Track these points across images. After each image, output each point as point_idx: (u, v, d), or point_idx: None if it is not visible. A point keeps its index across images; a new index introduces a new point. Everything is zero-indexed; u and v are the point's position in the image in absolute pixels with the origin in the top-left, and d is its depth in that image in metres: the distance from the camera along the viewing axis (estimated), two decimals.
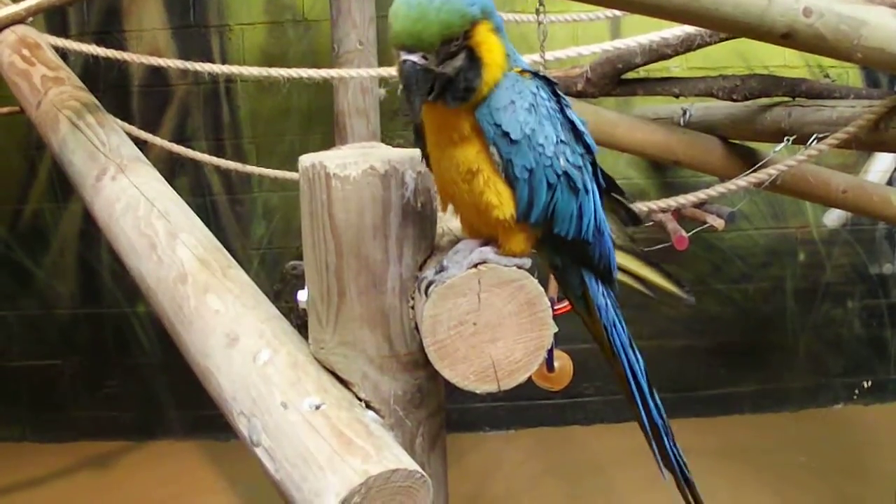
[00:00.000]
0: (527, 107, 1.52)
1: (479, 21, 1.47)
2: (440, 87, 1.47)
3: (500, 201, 1.55)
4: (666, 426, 1.96)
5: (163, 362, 6.13)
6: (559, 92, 1.62)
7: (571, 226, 1.62)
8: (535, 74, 1.59)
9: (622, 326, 1.87)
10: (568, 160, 1.58)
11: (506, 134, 1.50)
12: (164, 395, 6.22)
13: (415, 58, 1.44)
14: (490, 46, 1.49)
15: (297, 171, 1.75)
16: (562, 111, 1.61)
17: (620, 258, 1.87)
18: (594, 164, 1.68)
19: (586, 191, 1.63)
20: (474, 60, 1.48)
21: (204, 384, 1.87)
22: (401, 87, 1.47)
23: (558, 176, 1.56)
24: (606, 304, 1.83)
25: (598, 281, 1.81)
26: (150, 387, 6.23)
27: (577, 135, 1.63)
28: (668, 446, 1.97)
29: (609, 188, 1.79)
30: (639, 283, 2.05)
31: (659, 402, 1.94)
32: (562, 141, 1.57)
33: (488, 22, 1.49)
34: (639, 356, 1.91)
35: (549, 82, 1.61)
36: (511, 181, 1.54)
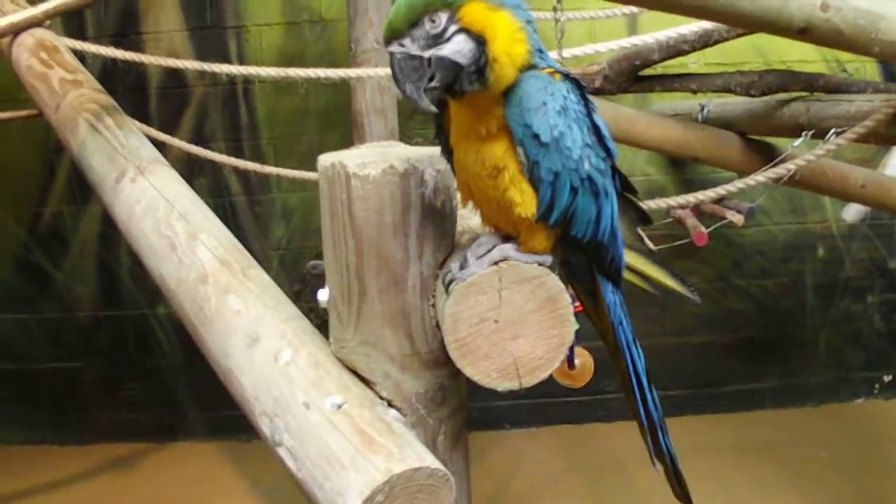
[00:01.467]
0: (558, 109, 1.52)
1: (462, 1, 1.48)
2: (446, 73, 1.49)
3: (523, 199, 1.55)
4: (661, 421, 1.98)
5: (184, 363, 6.14)
6: (587, 95, 1.63)
7: (589, 228, 1.62)
8: (566, 76, 1.59)
9: (628, 323, 1.87)
10: (592, 164, 1.58)
11: (535, 136, 1.50)
12: (186, 396, 6.24)
13: (392, 47, 1.49)
14: (488, 22, 1.49)
15: (315, 170, 1.75)
16: (589, 115, 1.61)
17: (628, 257, 1.87)
18: (613, 167, 1.68)
19: (606, 195, 1.62)
20: (479, 41, 1.49)
21: (225, 385, 1.88)
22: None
23: (582, 180, 1.56)
24: (615, 302, 1.84)
25: (608, 279, 1.81)
26: (172, 388, 6.25)
27: (601, 139, 1.63)
28: (661, 439, 1.99)
29: (622, 187, 1.79)
30: (644, 281, 2.06)
31: (657, 397, 1.95)
32: (587, 145, 1.57)
33: (481, 1, 1.49)
34: (641, 353, 1.92)
35: (578, 84, 1.61)
36: (535, 182, 1.54)
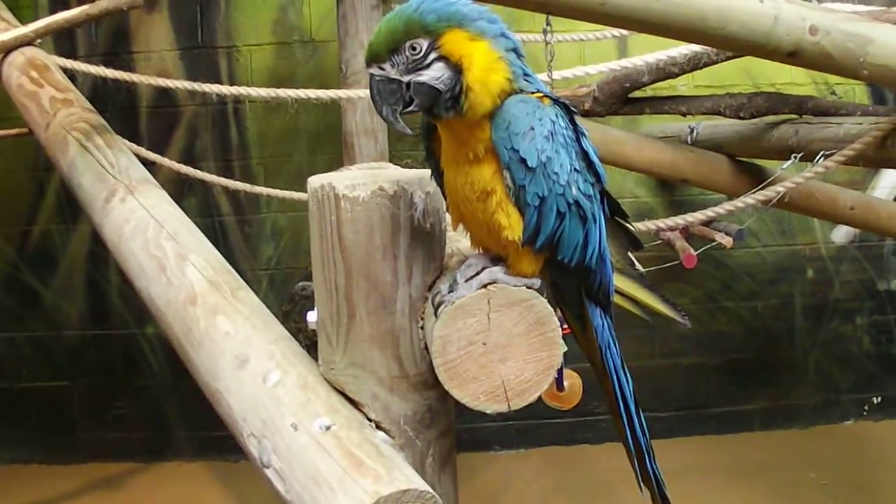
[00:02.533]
0: (546, 134, 1.53)
1: (442, 29, 1.49)
2: (424, 98, 1.51)
3: (510, 223, 1.55)
4: (648, 445, 1.97)
5: (172, 383, 6.11)
6: (576, 120, 1.63)
7: (576, 253, 1.62)
8: (556, 101, 1.59)
9: (616, 347, 1.87)
10: (579, 189, 1.58)
11: (522, 160, 1.51)
12: (174, 416, 6.21)
13: (372, 69, 1.52)
14: (466, 51, 1.50)
15: (305, 191, 1.76)
16: (577, 139, 1.61)
17: (619, 281, 1.87)
18: (603, 192, 1.69)
19: (594, 220, 1.63)
20: (457, 70, 1.50)
21: (214, 406, 1.87)
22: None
23: (569, 205, 1.56)
24: (603, 326, 1.84)
25: (596, 304, 1.81)
26: (160, 408, 6.22)
27: (590, 164, 1.63)
28: (648, 465, 1.98)
29: (612, 212, 1.80)
30: (635, 306, 2.06)
31: (644, 421, 1.95)
32: (575, 170, 1.58)
33: (462, 30, 1.50)
34: (629, 377, 1.91)
35: (567, 110, 1.62)
36: (521, 206, 1.54)
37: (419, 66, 1.49)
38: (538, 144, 1.51)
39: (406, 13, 1.49)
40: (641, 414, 1.94)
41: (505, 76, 1.53)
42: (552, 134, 1.54)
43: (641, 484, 2.03)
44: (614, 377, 1.88)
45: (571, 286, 1.75)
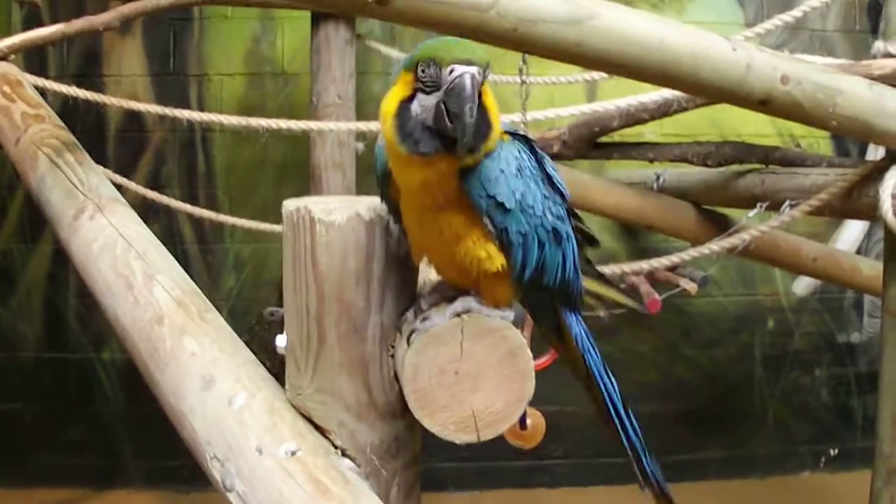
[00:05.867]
0: (514, 173, 1.53)
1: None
2: (476, 125, 1.44)
3: (490, 255, 1.55)
4: (643, 444, 1.98)
5: (125, 410, 6.05)
6: (535, 147, 1.64)
7: (558, 275, 1.64)
8: (514, 134, 1.60)
9: (596, 352, 1.88)
10: (553, 214, 1.59)
11: (500, 204, 1.51)
12: (126, 443, 6.14)
13: (473, 70, 1.44)
14: (491, 97, 1.50)
15: (270, 222, 1.76)
16: (540, 166, 1.63)
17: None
18: (568, 209, 1.70)
19: (567, 238, 1.65)
20: (484, 109, 1.47)
21: (177, 427, 1.85)
22: (459, 102, 1.43)
23: (547, 233, 1.58)
24: (581, 332, 1.85)
25: (572, 312, 1.82)
26: (112, 435, 6.15)
27: (554, 185, 1.65)
28: (645, 464, 1.99)
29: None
30: (598, 302, 2.07)
31: (635, 421, 1.96)
32: (546, 197, 1.59)
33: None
34: (613, 379, 1.92)
35: (526, 140, 1.63)
36: (505, 247, 1.55)
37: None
38: (511, 185, 1.52)
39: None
40: (631, 414, 1.95)
41: (499, 132, 1.53)
42: (520, 171, 1.55)
43: (642, 484, 2.03)
44: (600, 382, 1.89)
45: (544, 299, 1.74)
